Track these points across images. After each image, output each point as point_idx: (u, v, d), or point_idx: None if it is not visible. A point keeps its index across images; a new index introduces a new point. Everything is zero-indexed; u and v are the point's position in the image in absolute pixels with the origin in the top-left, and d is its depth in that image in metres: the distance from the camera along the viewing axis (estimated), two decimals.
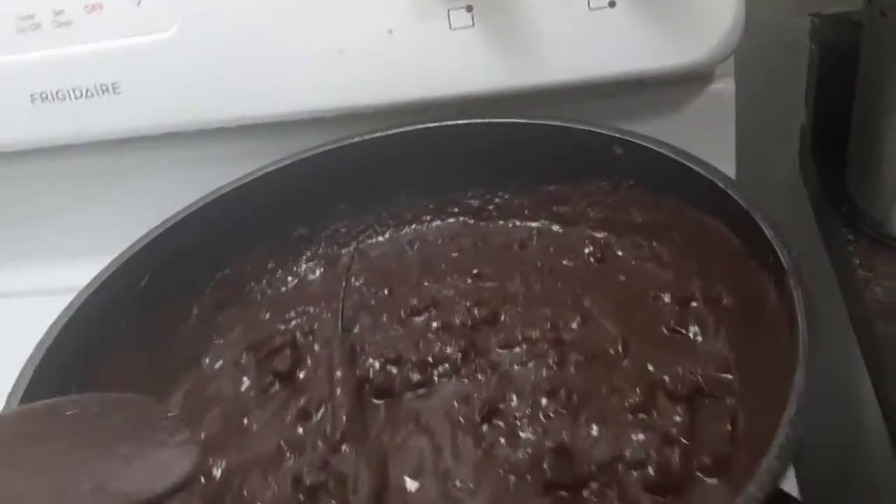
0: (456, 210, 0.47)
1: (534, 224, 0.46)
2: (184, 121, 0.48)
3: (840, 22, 0.52)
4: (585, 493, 0.32)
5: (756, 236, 0.33)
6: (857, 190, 0.49)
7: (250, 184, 0.45)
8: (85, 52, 0.46)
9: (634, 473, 0.32)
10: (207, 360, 0.42)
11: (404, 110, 0.45)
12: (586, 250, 0.43)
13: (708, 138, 0.47)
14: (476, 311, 0.40)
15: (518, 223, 0.46)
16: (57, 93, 0.47)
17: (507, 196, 0.46)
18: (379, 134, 0.46)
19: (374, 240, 0.48)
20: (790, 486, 0.34)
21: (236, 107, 0.47)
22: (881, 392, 0.40)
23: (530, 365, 0.37)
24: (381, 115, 0.46)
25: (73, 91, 0.47)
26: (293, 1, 0.44)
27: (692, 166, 0.37)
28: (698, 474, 0.31)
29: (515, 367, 0.38)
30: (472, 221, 0.47)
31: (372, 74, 0.45)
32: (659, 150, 0.39)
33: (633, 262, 0.42)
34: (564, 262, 0.43)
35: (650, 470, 0.31)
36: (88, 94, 0.47)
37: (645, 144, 0.40)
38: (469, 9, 0.42)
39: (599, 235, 0.44)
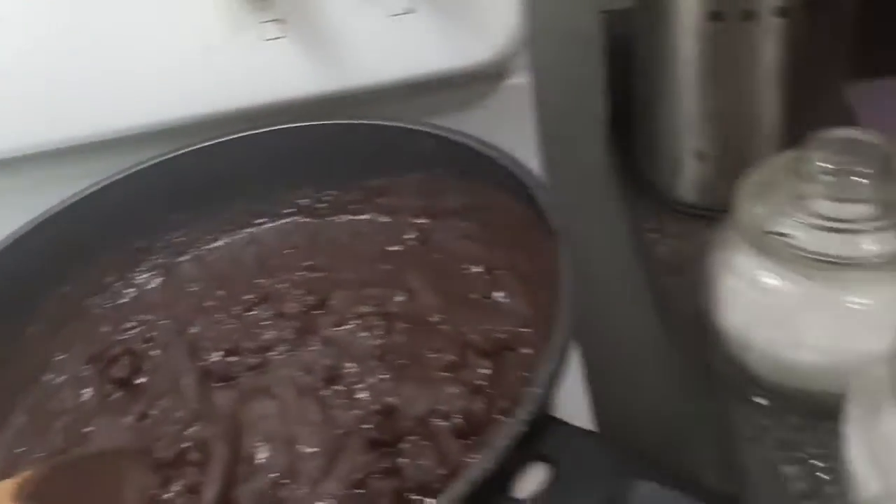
0: (288, 210, 0.50)
1: (361, 217, 0.49)
2: (12, 146, 0.48)
3: (626, 17, 0.58)
4: (405, 446, 0.36)
5: (537, 207, 0.38)
6: (644, 164, 0.56)
7: (82, 201, 0.47)
8: None
9: (445, 423, 0.36)
10: (48, 377, 0.43)
11: (230, 120, 0.48)
12: (407, 235, 0.47)
13: (511, 129, 0.52)
14: (308, 299, 0.44)
15: (348, 217, 0.50)
16: None
17: (335, 193, 0.50)
18: (206, 144, 0.48)
19: (211, 245, 0.50)
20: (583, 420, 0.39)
21: (69, 127, 0.48)
22: (666, 331, 0.46)
23: (361, 335, 0.41)
24: (209, 126, 0.48)
25: None
26: (110, 23, 0.46)
27: (487, 153, 0.42)
28: (500, 417, 0.36)
29: (348, 339, 0.41)
30: (304, 220, 0.50)
31: (194, 88, 0.47)
32: (458, 139, 0.43)
33: (449, 242, 0.46)
34: (390, 248, 0.47)
35: (458, 419, 0.36)
36: None
37: (446, 135, 0.44)
38: (280, 21, 0.45)
39: (420, 221, 0.48)
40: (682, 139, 0.50)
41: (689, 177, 0.51)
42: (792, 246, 0.35)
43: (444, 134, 0.45)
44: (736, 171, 0.42)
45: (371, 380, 0.39)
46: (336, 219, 0.50)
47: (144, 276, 0.49)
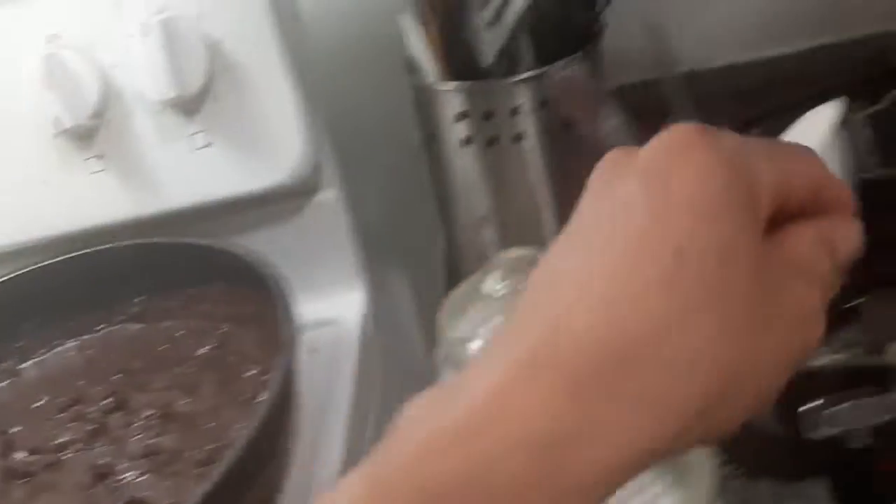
0: (122, 318, 0.56)
1: (179, 322, 0.55)
2: None
3: None
4: None
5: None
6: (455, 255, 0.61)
7: None
8: None
9: None
10: None
11: (65, 241, 0.55)
12: (211, 342, 0.53)
13: (326, 239, 0.58)
14: (108, 401, 0.49)
15: (169, 323, 0.55)
16: None
17: (160, 301, 0.56)
18: (49, 262, 0.55)
19: (53, 351, 0.56)
20: None
21: None
22: None
23: (140, 436, 0.46)
24: (47, 248, 0.55)
25: None
26: None
27: (256, 267, 0.48)
28: None
29: (130, 438, 0.46)
30: (134, 325, 0.56)
31: (33, 216, 0.54)
32: (234, 251, 0.50)
33: (242, 346, 0.51)
34: (197, 352, 0.52)
35: None
36: None
37: (226, 249, 0.50)
38: (99, 157, 0.53)
39: (223, 327, 0.53)
40: (474, 238, 0.56)
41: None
42: None
43: (223, 247, 0.51)
44: None
45: (132, 477, 0.44)
46: (159, 324, 0.56)
47: None
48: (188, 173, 0.53)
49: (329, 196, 0.57)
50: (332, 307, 0.58)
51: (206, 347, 0.52)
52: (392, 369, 0.59)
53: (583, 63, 0.50)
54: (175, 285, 0.55)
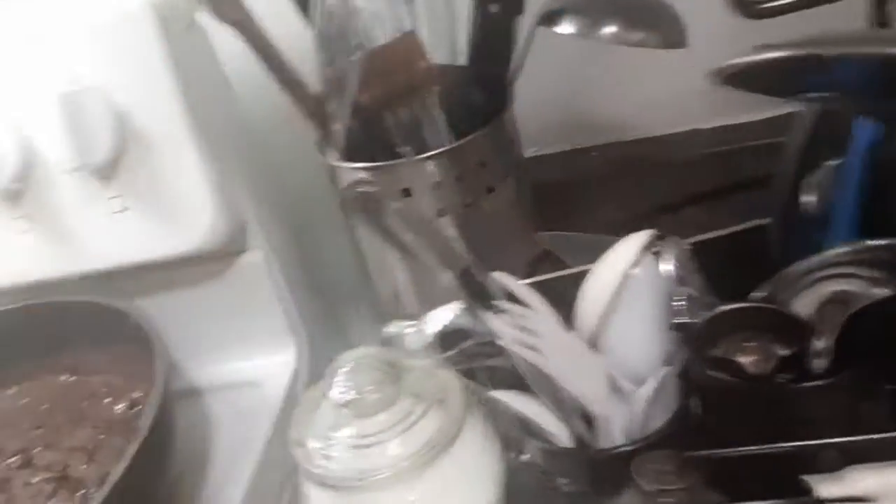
0: (55, 369, 0.58)
1: (106, 378, 0.56)
2: None
3: None
4: None
5: None
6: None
7: None
8: None
9: None
10: None
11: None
12: (126, 402, 0.54)
13: (255, 299, 0.59)
14: (17, 458, 0.51)
15: (98, 378, 0.57)
16: None
17: (89, 356, 0.57)
18: None
19: None
20: None
21: None
22: None
23: (33, 497, 0.48)
24: None
25: None
26: None
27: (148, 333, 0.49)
28: None
29: (24, 499, 0.48)
30: (66, 378, 0.58)
31: None
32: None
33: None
34: (115, 410, 0.54)
35: None
36: None
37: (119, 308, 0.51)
38: (25, 217, 0.54)
39: (140, 388, 0.54)
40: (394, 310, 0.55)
41: None
42: (332, 473, 0.37)
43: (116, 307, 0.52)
44: None
45: None
46: (87, 378, 0.57)
47: None
48: (107, 236, 0.54)
49: (255, 258, 0.57)
50: (260, 367, 0.59)
51: (120, 407, 0.54)
52: None
53: (489, 137, 0.49)
54: (101, 341, 0.56)
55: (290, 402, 0.57)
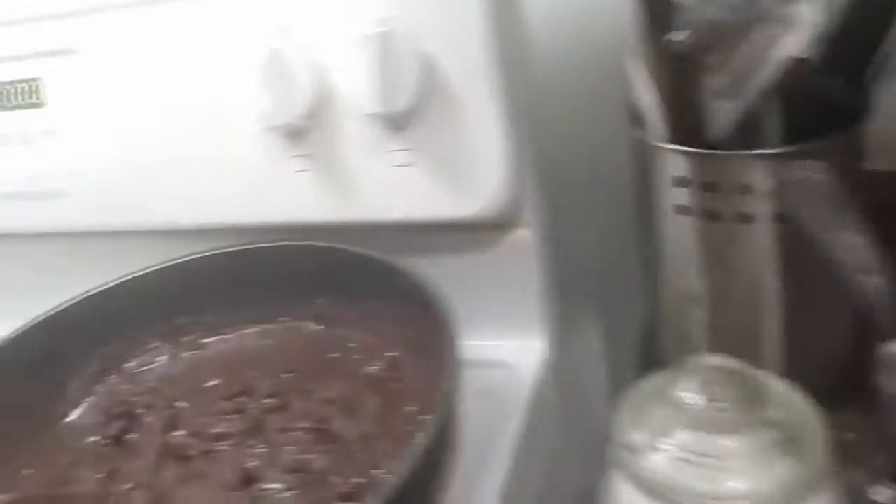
0: (303, 315, 0.57)
1: (355, 334, 0.54)
2: (107, 223, 0.60)
3: None
4: None
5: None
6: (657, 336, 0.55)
7: (144, 276, 0.56)
8: (38, 166, 0.60)
9: None
10: (73, 417, 0.53)
11: (265, 230, 0.56)
12: (381, 362, 0.51)
13: (517, 277, 0.55)
14: (268, 401, 0.50)
15: (345, 331, 0.55)
16: (16, 194, 0.61)
17: (339, 307, 0.55)
18: (247, 246, 0.56)
19: (236, 333, 0.58)
20: None
21: (145, 216, 0.59)
22: None
23: (292, 447, 0.46)
24: (248, 233, 0.56)
25: (28, 194, 0.61)
26: (183, 143, 0.56)
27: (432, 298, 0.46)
28: None
29: (283, 447, 0.46)
30: (314, 326, 0.56)
31: (239, 202, 0.56)
32: (416, 282, 0.47)
33: (412, 375, 0.50)
34: (364, 369, 0.52)
35: None
36: (38, 197, 0.60)
37: (411, 277, 0.48)
38: (305, 157, 0.53)
39: (394, 349, 0.52)
40: (679, 316, 0.50)
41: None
42: (656, 478, 0.34)
43: (411, 274, 0.49)
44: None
45: (276, 490, 0.43)
46: (335, 331, 0.55)
47: (175, 349, 0.57)
48: (386, 189, 0.51)
49: (524, 235, 0.54)
50: (509, 350, 0.56)
51: (374, 367, 0.51)
52: (566, 431, 0.55)
53: (839, 147, 0.42)
54: (356, 295, 0.54)
55: (542, 390, 0.53)
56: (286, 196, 0.54)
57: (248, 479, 0.44)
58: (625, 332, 0.61)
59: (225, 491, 0.44)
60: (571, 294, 0.59)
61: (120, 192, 0.58)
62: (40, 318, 0.54)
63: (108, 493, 0.46)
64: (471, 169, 0.49)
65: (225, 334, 0.58)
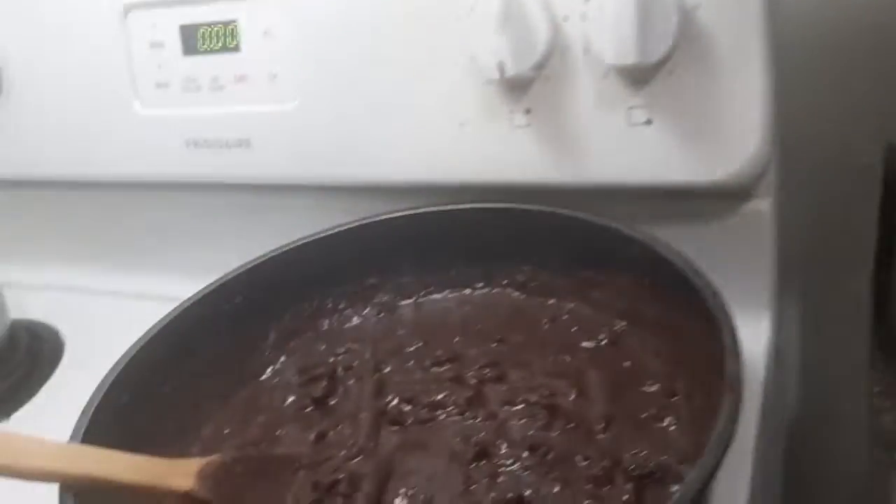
0: (505, 282, 0.53)
1: (568, 304, 0.51)
2: (299, 176, 0.57)
3: None
4: None
5: (720, 345, 0.37)
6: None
7: (338, 234, 0.53)
8: (229, 112, 0.58)
9: None
10: (268, 374, 0.51)
11: (470, 190, 0.52)
12: (602, 335, 0.48)
13: (746, 252, 0.50)
14: (486, 371, 0.47)
15: (555, 301, 0.51)
16: (204, 141, 0.59)
17: (549, 275, 0.52)
18: (447, 208, 0.53)
19: (431, 297, 0.55)
20: None
21: (342, 169, 0.56)
22: None
23: (523, 421, 0.43)
24: (450, 192, 0.53)
25: (217, 141, 0.58)
26: (387, 93, 0.53)
27: (687, 273, 0.41)
28: None
29: (511, 421, 0.43)
30: (516, 294, 0.53)
31: (445, 158, 0.52)
32: (664, 253, 0.43)
33: (639, 353, 0.46)
34: (582, 343, 0.48)
35: None
36: (228, 145, 0.58)
37: (654, 247, 0.44)
38: (527, 111, 0.49)
39: (618, 323, 0.48)
40: None
41: None
42: None
43: (650, 243, 0.45)
44: None
45: (515, 467, 0.40)
46: (545, 300, 0.52)
47: (368, 309, 0.55)
48: (618, 149, 0.47)
49: (761, 207, 0.49)
50: None
51: (594, 341, 0.48)
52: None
53: None
54: (569, 263, 0.50)
55: (771, 383, 0.49)
56: (502, 153, 0.50)
57: (480, 454, 0.41)
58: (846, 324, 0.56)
59: (456, 463, 0.41)
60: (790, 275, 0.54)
61: (315, 144, 0.56)
62: (237, 273, 0.52)
63: (325, 457, 0.44)
64: (723, 129, 0.45)
65: (419, 297, 0.55)
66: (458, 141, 0.52)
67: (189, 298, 0.50)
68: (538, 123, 0.49)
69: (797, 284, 0.61)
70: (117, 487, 0.36)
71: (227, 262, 0.52)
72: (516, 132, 0.50)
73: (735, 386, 0.34)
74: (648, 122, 0.46)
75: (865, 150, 0.56)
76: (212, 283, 0.51)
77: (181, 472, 0.38)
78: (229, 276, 0.52)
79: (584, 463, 0.40)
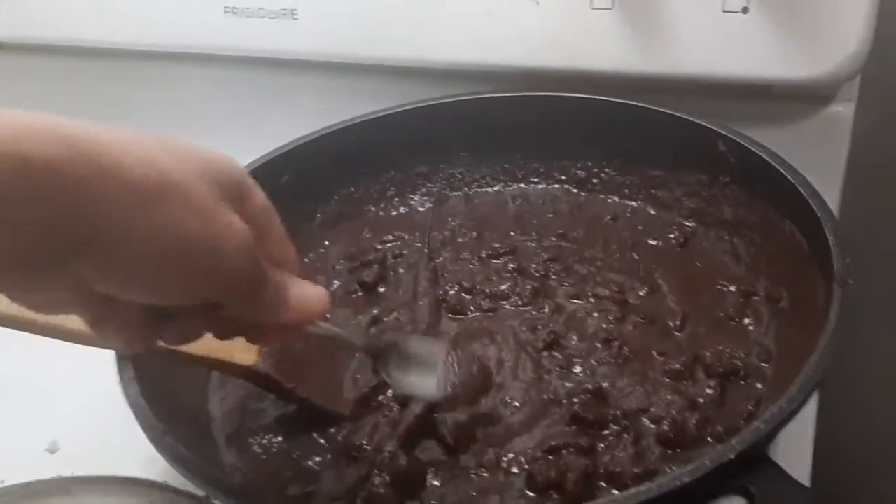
0: (563, 178, 0.51)
1: (630, 202, 0.49)
2: (346, 53, 0.54)
3: None
4: (605, 432, 0.35)
5: (822, 244, 0.35)
6: None
7: (389, 117, 0.50)
8: None
9: (653, 426, 0.35)
10: (311, 258, 0.49)
11: (537, 76, 0.50)
12: (671, 234, 0.46)
13: (819, 158, 0.48)
14: (551, 264, 0.45)
15: (616, 199, 0.49)
16: (246, 9, 0.55)
17: (611, 172, 0.50)
18: (508, 94, 0.50)
19: (482, 189, 0.52)
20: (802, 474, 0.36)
21: (391, 48, 0.52)
22: None
23: (595, 315, 0.41)
24: (515, 77, 0.50)
25: (259, 10, 0.54)
26: None
27: (783, 172, 0.39)
28: (709, 440, 0.34)
29: (580, 314, 0.41)
30: (574, 190, 0.51)
31: (515, 39, 0.49)
32: (758, 152, 0.41)
33: (712, 253, 0.44)
34: (649, 241, 0.46)
35: (666, 426, 0.34)
36: (271, 15, 0.54)
37: (746, 145, 0.42)
38: None
39: (688, 223, 0.46)
40: None
41: None
42: None
43: (739, 140, 0.43)
44: None
45: (591, 360, 0.39)
46: (606, 198, 0.50)
47: (417, 198, 0.52)
48: (710, 38, 0.45)
49: (842, 111, 0.47)
50: None
51: (661, 240, 0.46)
52: None
53: None
54: (636, 159, 0.48)
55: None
56: (581, 38, 0.47)
57: (549, 344, 0.40)
58: None
59: (525, 352, 0.40)
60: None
61: (361, 18, 0.52)
62: (284, 150, 0.49)
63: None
64: (825, 22, 0.42)
65: (471, 189, 0.52)
66: (530, 20, 0.48)
67: None
68: (623, 5, 0.46)
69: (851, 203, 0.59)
70: (184, 359, 0.34)
71: (262, 146, 0.49)
72: (596, 14, 0.46)
73: (842, 283, 0.33)
74: (745, 9, 0.43)
75: None
76: (258, 159, 0.48)
77: (245, 348, 0.36)
78: (276, 153, 0.49)
79: (661, 358, 0.38)
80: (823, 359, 0.30)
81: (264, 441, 0.37)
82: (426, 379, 0.34)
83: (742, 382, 0.37)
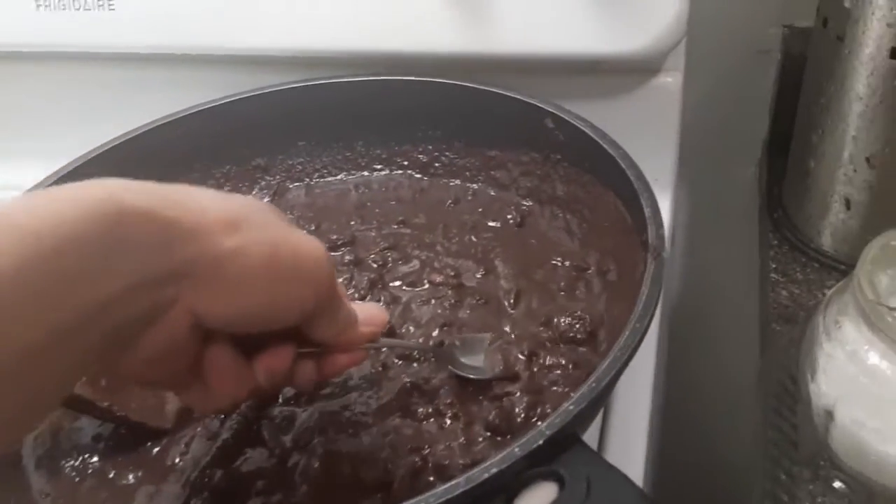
0: (405, 163, 0.50)
1: (471, 185, 0.48)
2: (167, 44, 0.51)
3: (807, 36, 0.53)
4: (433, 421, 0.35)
5: (639, 214, 0.36)
6: (790, 199, 0.51)
7: (218, 108, 0.48)
8: None
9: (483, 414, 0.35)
10: None
11: (372, 61, 0.48)
12: (509, 215, 0.46)
13: (652, 127, 0.49)
14: (388, 253, 0.44)
15: (458, 182, 0.49)
16: (59, 2, 0.51)
17: (452, 156, 0.49)
18: (341, 79, 0.48)
19: (325, 179, 0.51)
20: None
21: (215, 38, 0.50)
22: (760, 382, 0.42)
23: (431, 302, 0.40)
24: (350, 64, 0.49)
25: (73, 2, 0.51)
26: None
27: (604, 145, 0.40)
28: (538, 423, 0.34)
29: (416, 302, 0.41)
30: (417, 175, 0.50)
31: (344, 24, 0.47)
32: (581, 126, 0.41)
33: (547, 230, 0.44)
34: (488, 223, 0.46)
35: (492, 414, 0.34)
36: (86, 6, 0.51)
37: (570, 120, 0.42)
38: None
39: (525, 202, 0.46)
40: (834, 180, 0.45)
41: (831, 222, 0.46)
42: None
43: (564, 116, 0.43)
44: (882, 226, 0.37)
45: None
46: (448, 181, 0.49)
47: (256, 192, 0.50)
48: (535, 17, 0.44)
49: (671, 81, 0.48)
50: None
51: (498, 220, 0.46)
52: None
53: None
54: (475, 142, 0.48)
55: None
56: (407, 21, 0.46)
57: (388, 334, 0.39)
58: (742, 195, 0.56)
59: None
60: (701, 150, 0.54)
61: (182, 7, 0.49)
62: (107, 147, 0.46)
63: None
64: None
65: (311, 180, 0.51)
66: (360, 5, 0.47)
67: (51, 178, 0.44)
68: None
69: (687, 171, 0.61)
70: None
71: (81, 146, 0.46)
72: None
73: (658, 252, 0.33)
74: None
75: (765, 34, 0.56)
76: (76, 160, 0.45)
77: None
78: (95, 153, 0.46)
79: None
80: (633, 335, 0.30)
81: (78, 463, 0.35)
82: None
83: (580, 347, 0.37)
